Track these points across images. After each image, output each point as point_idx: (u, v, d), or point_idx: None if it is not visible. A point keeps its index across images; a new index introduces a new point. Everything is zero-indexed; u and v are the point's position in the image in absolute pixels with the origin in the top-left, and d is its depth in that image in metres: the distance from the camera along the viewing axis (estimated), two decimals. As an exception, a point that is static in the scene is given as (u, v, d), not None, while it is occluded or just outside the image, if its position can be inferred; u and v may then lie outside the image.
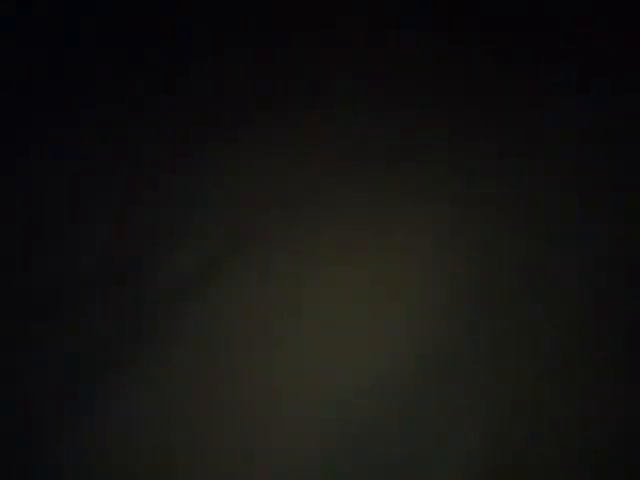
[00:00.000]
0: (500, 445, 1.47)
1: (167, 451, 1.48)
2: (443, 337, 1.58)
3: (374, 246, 1.71)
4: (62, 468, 1.50)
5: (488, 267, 1.68)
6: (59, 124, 1.81)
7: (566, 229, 1.74)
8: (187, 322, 1.63)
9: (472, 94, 1.86)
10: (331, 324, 1.60)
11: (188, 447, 1.47)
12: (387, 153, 1.80)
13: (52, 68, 1.88)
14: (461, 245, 1.76)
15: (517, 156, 1.79)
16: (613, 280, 1.63)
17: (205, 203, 1.71)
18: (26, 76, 1.88)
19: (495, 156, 1.79)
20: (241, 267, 1.72)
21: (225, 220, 1.73)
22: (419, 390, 1.53)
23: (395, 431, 1.50)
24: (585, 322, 1.59)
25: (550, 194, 1.78)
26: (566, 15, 1.98)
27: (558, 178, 1.81)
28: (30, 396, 1.44)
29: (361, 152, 1.77)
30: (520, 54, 1.90)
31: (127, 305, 1.55)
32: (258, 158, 1.82)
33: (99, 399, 1.57)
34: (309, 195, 1.74)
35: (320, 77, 1.90)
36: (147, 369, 1.59)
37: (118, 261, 1.54)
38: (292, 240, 1.72)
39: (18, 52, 1.91)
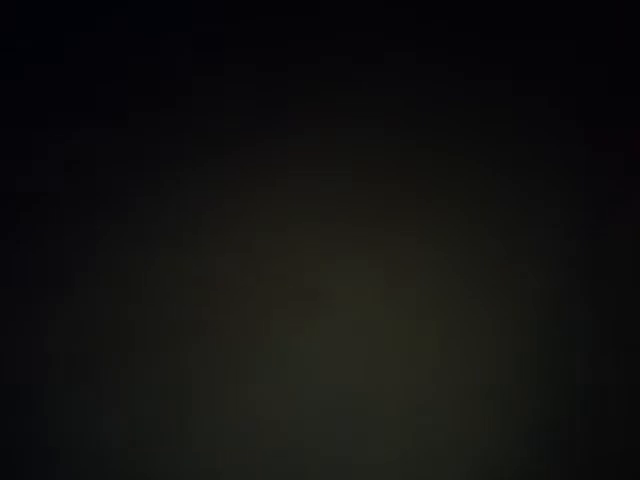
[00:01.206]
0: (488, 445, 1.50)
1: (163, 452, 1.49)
2: (431, 336, 1.61)
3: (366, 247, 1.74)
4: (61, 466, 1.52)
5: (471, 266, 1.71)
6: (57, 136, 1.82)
7: (534, 230, 1.78)
8: (185, 324, 1.64)
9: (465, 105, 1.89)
10: (322, 326, 1.62)
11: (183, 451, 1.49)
12: (386, 160, 1.82)
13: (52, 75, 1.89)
14: (443, 246, 1.80)
15: (490, 158, 1.82)
16: (580, 279, 1.68)
17: (205, 212, 1.72)
18: (27, 89, 1.89)
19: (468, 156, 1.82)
20: (240, 272, 1.74)
21: (225, 232, 1.74)
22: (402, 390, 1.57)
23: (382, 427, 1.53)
24: (554, 322, 1.63)
25: (519, 195, 1.81)
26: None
27: (526, 180, 1.84)
28: (30, 395, 1.45)
29: (359, 160, 1.79)
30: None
31: (128, 306, 1.56)
32: (256, 170, 1.84)
33: (96, 399, 1.57)
34: (306, 204, 1.76)
35: (320, 92, 1.91)
36: (145, 367, 1.60)
37: (118, 262, 1.55)
38: (288, 245, 1.74)
39: (21, 66, 1.92)
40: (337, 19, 2.02)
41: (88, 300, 1.61)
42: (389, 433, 1.52)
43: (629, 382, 1.51)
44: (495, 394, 1.55)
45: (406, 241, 1.80)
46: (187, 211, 1.80)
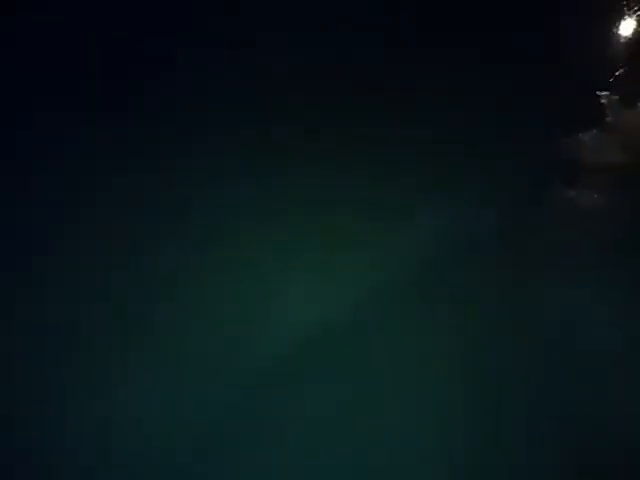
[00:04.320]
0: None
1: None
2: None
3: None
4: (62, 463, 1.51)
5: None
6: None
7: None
8: (182, 317, 1.65)
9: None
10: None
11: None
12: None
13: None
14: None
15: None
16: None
17: (204, 207, 1.72)
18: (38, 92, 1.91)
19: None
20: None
21: (221, 226, 1.75)
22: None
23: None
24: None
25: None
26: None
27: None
28: (30, 392, 1.44)
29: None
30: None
31: (126, 304, 1.55)
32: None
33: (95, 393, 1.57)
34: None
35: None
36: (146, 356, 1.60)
37: (118, 262, 1.54)
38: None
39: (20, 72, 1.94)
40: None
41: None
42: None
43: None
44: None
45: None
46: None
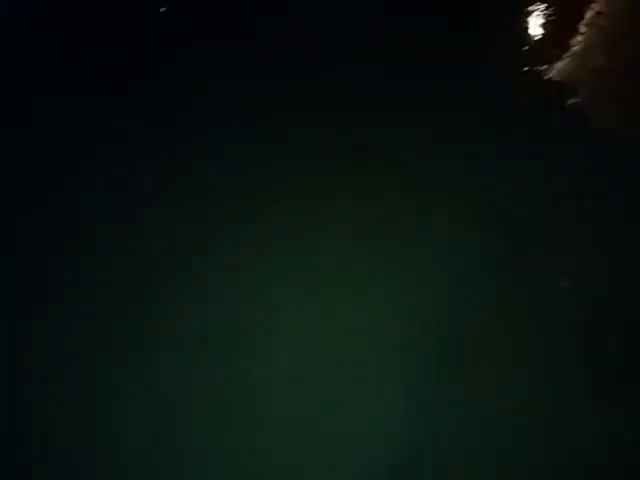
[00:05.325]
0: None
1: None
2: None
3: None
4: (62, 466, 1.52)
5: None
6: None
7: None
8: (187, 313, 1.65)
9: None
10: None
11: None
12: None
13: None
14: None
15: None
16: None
17: (205, 201, 1.72)
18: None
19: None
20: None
21: (226, 220, 1.76)
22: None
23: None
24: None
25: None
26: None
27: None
28: (30, 395, 1.45)
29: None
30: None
31: (128, 305, 1.56)
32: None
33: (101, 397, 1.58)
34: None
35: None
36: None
37: (119, 262, 1.54)
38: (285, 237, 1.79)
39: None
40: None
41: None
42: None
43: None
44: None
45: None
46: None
